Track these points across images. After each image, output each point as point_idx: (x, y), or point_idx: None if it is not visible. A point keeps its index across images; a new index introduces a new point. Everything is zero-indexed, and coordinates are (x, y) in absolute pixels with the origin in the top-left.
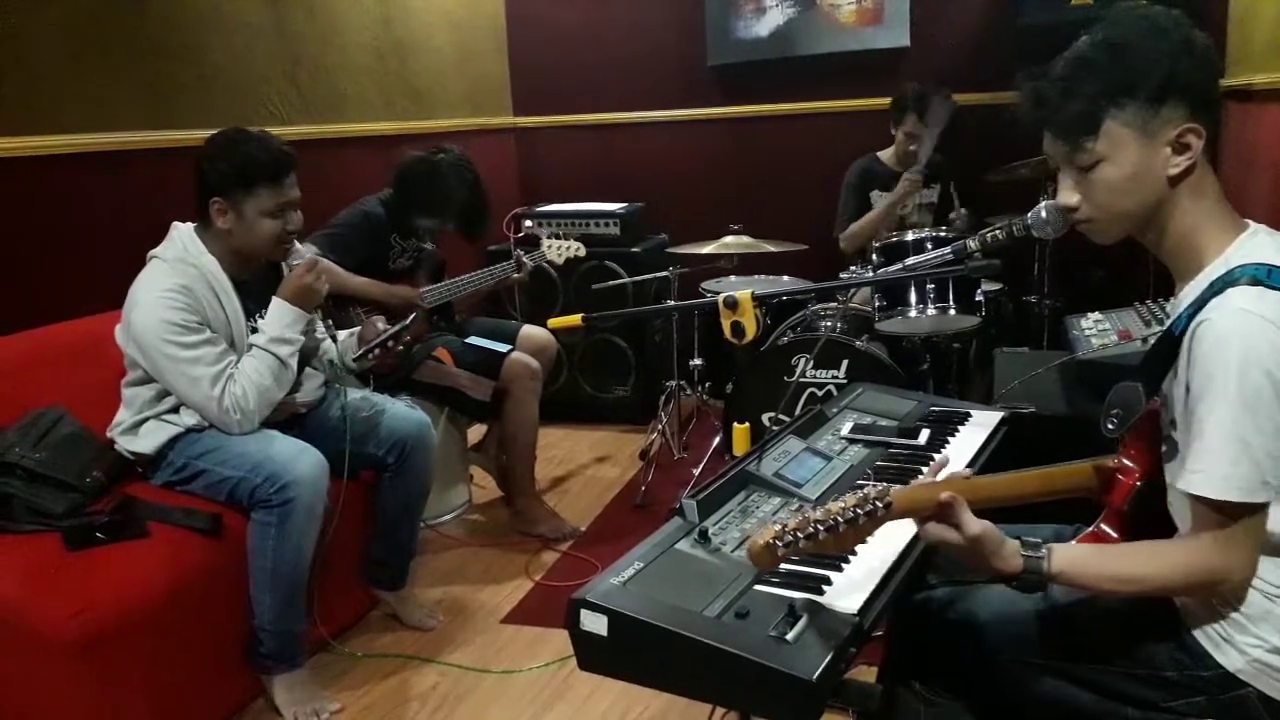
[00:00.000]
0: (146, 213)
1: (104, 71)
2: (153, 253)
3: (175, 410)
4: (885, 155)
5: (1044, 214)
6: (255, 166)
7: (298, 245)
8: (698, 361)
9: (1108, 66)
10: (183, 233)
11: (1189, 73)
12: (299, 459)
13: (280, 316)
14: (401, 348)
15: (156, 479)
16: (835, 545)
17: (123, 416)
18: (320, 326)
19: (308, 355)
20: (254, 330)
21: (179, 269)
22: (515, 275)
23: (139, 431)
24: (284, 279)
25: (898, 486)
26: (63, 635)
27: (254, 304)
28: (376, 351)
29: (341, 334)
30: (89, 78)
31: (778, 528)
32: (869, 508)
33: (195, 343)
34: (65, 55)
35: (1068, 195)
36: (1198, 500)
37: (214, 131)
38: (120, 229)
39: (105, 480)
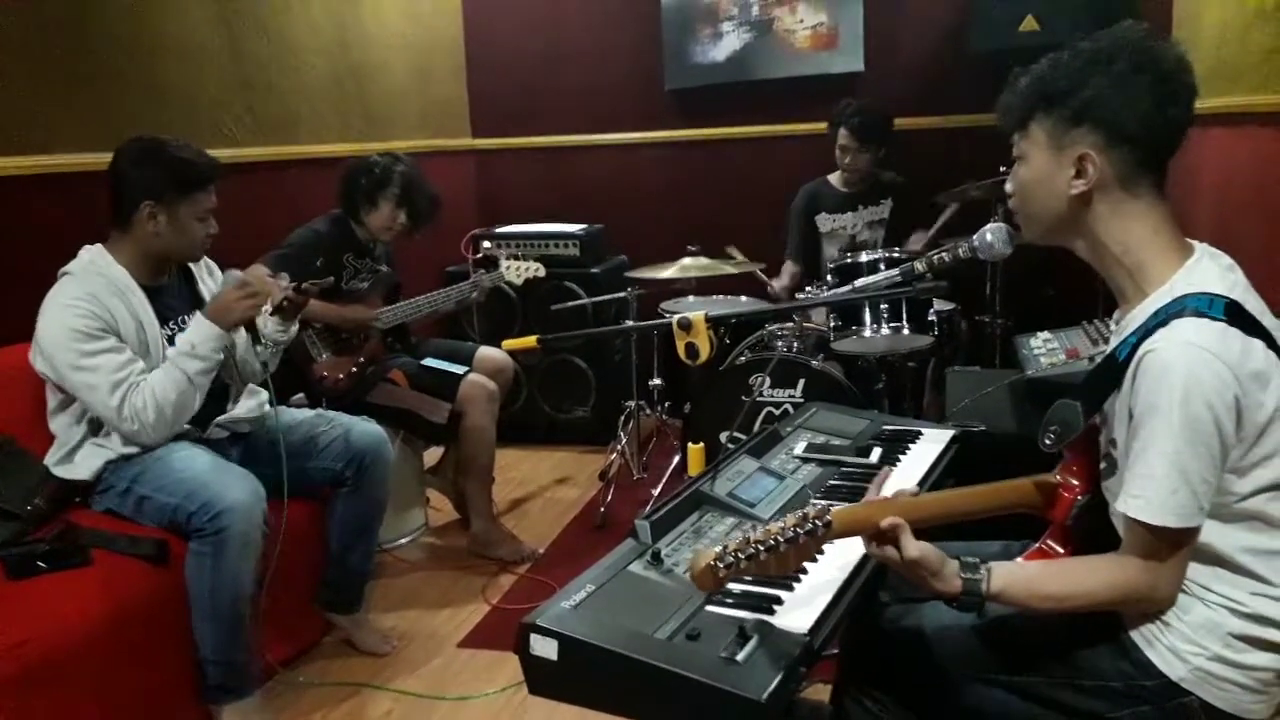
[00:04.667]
0: (97, 235)
1: (54, 93)
2: (63, 269)
3: (107, 434)
4: (834, 178)
5: (989, 236)
6: (192, 171)
7: (235, 272)
8: (657, 381)
9: (1051, 75)
10: (91, 250)
11: (1111, 105)
12: (233, 486)
13: (196, 331)
14: (313, 289)
15: (98, 505)
16: (778, 565)
17: (56, 448)
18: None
19: (245, 371)
20: (170, 338)
21: (85, 279)
22: (473, 296)
23: (74, 459)
24: (214, 298)
25: (839, 506)
26: (3, 670)
27: (169, 310)
28: (288, 301)
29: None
30: (39, 100)
31: (719, 549)
32: (809, 527)
33: (97, 350)
34: (15, 77)
35: (1009, 181)
36: (1135, 523)
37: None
38: (71, 252)
39: (47, 508)
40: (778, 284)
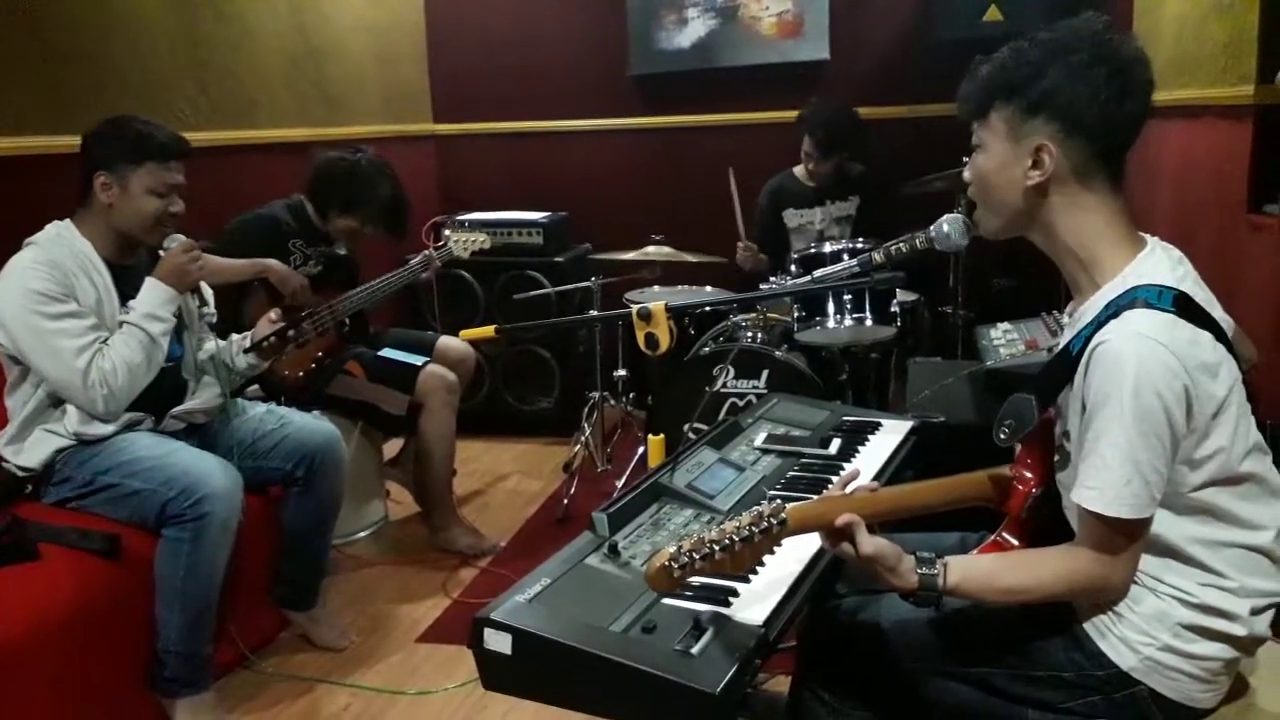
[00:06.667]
0: (44, 219)
1: (1, 76)
2: (28, 239)
3: (60, 418)
4: (800, 171)
5: (945, 227)
6: (146, 142)
7: (179, 236)
8: (622, 372)
9: (1012, 64)
10: (58, 224)
11: (1069, 96)
12: (214, 472)
13: (152, 294)
14: (297, 337)
15: (48, 497)
16: (733, 564)
17: (7, 427)
18: (203, 324)
19: (202, 362)
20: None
21: (49, 248)
22: (423, 275)
23: (24, 444)
24: (160, 261)
25: (794, 504)
26: None
27: (133, 292)
28: (272, 340)
29: (234, 337)
30: None
31: (673, 549)
32: (764, 525)
33: (60, 313)
34: None
35: (967, 170)
36: (1089, 514)
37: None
38: (16, 235)
39: None
40: (742, 246)
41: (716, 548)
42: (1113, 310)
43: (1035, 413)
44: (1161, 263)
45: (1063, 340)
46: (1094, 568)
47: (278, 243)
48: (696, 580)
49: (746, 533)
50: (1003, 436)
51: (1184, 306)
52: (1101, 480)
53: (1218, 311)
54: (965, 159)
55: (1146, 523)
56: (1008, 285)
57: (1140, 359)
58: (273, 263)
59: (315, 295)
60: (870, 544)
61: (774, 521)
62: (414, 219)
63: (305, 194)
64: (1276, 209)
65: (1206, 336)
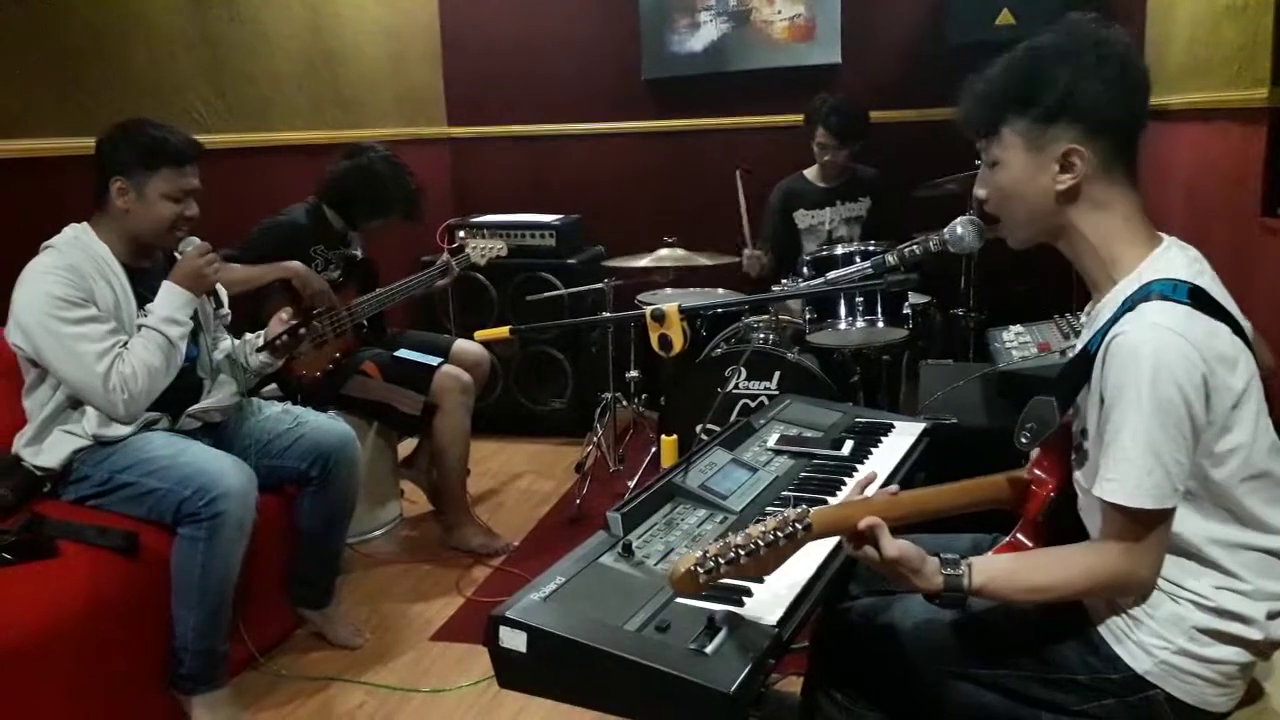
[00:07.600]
0: (61, 220)
1: (18, 77)
2: (46, 243)
3: (78, 419)
4: (810, 173)
5: (959, 229)
6: (161, 147)
7: (194, 239)
8: (634, 373)
9: (1016, 76)
10: (75, 227)
11: (1089, 97)
12: (229, 472)
13: (170, 298)
14: (309, 334)
15: (67, 495)
16: (756, 568)
17: (26, 428)
18: (218, 323)
19: (218, 361)
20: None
21: (67, 252)
22: (439, 282)
23: (43, 444)
24: (176, 264)
25: (818, 508)
26: None
27: (150, 295)
28: (284, 337)
29: (248, 336)
30: (2, 83)
31: (699, 554)
32: (789, 530)
33: (80, 318)
34: None
35: (979, 186)
36: (1111, 507)
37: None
38: (33, 237)
39: (13, 498)
40: (748, 253)
41: (742, 553)
42: (1128, 305)
43: (1057, 415)
44: (1177, 259)
45: (1081, 341)
46: (1119, 562)
47: (299, 248)
48: None
49: (772, 537)
50: (1024, 440)
51: (1199, 299)
52: (1122, 471)
53: (1233, 308)
54: (977, 162)
55: (1169, 514)
56: (1020, 288)
57: (1157, 350)
58: (295, 265)
59: (335, 298)
60: (894, 547)
61: (798, 526)
62: (429, 221)
63: (329, 205)
64: None
65: (1224, 329)
